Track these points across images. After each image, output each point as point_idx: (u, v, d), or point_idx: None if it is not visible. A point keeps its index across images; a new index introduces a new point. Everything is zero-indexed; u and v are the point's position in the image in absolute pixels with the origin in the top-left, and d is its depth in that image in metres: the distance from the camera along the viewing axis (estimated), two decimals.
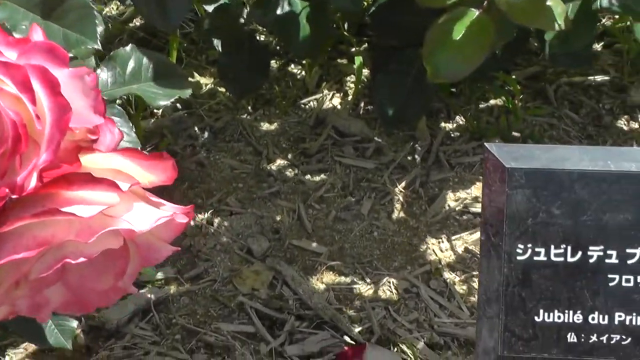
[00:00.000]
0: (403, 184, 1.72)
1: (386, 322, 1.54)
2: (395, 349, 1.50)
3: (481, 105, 1.83)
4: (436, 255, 1.62)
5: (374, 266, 1.61)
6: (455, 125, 1.80)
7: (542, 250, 1.03)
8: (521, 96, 1.83)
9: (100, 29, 1.08)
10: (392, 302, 1.57)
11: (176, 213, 0.91)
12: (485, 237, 1.04)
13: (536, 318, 1.03)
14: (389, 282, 1.59)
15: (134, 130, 1.22)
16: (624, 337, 1.02)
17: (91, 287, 0.92)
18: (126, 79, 1.25)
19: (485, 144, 1.04)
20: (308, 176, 1.74)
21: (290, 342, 1.52)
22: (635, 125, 1.79)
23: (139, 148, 1.24)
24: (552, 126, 1.80)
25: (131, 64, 1.26)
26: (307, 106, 1.86)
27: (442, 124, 1.81)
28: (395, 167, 1.75)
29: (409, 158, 1.76)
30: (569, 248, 1.02)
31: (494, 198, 1.04)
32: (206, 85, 1.91)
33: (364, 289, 1.58)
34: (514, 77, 1.86)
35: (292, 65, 1.93)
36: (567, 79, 1.86)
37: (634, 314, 1.02)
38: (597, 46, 1.91)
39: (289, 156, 1.77)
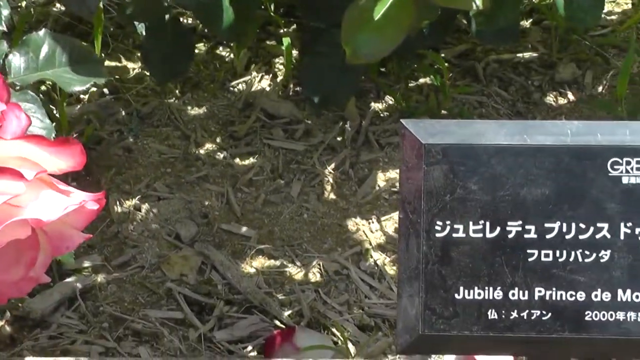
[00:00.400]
0: (333, 165, 1.70)
1: (316, 305, 1.52)
2: (326, 332, 1.49)
3: (411, 85, 1.82)
4: (366, 236, 1.61)
5: (303, 249, 1.60)
6: (384, 105, 1.79)
7: (461, 227, 1.02)
8: (450, 74, 1.82)
9: (5, 12, 1.05)
10: (322, 284, 1.55)
11: (86, 200, 0.89)
12: (403, 215, 1.03)
13: (456, 295, 1.02)
14: (319, 265, 1.57)
15: (48, 116, 1.20)
16: (544, 312, 1.01)
17: (1, 278, 0.90)
18: (40, 65, 1.22)
19: (401, 120, 1.03)
20: (237, 159, 1.72)
21: (219, 328, 1.50)
22: (563, 101, 1.79)
23: (54, 135, 1.22)
24: (482, 104, 1.79)
25: (45, 49, 1.23)
26: (235, 89, 1.84)
27: (372, 104, 1.79)
28: (325, 149, 1.73)
29: (339, 139, 1.74)
30: (488, 224, 1.01)
31: (411, 175, 1.02)
32: (133, 69, 1.88)
33: (294, 272, 1.57)
34: (443, 55, 1.85)
35: (221, 48, 1.91)
36: (496, 56, 1.86)
37: (554, 288, 1.01)
38: (526, 23, 1.91)
39: (218, 140, 1.75)
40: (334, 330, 1.49)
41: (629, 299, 1.00)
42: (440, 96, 1.77)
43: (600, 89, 1.81)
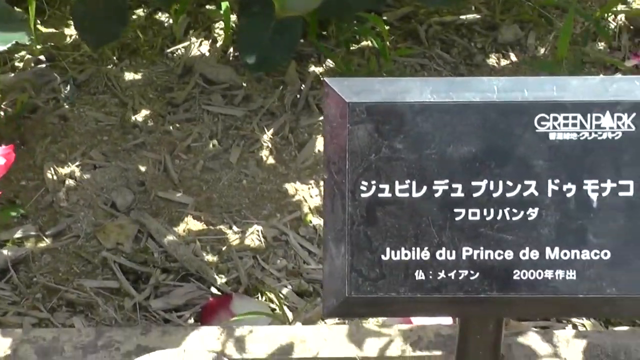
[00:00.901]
0: (272, 130, 1.68)
1: (254, 272, 1.50)
2: (263, 298, 1.47)
3: (353, 48, 1.79)
4: (306, 201, 1.58)
5: (242, 215, 1.57)
6: (325, 69, 1.76)
7: (387, 187, 1.00)
8: (392, 37, 1.80)
9: None
10: (261, 250, 1.53)
11: None
12: (328, 176, 1.00)
13: (383, 257, 1.00)
14: (258, 231, 1.55)
15: None
16: (471, 272, 1.00)
17: None
18: None
19: (324, 79, 1.00)
20: (175, 126, 1.69)
21: (155, 296, 1.47)
22: (506, 62, 1.77)
23: None
24: (424, 66, 1.77)
25: None
26: (174, 55, 1.81)
27: (312, 68, 1.77)
28: (265, 114, 1.71)
29: (279, 104, 1.71)
30: (414, 183, 0.99)
31: (336, 135, 1.00)
32: (70, 37, 1.84)
33: (232, 238, 1.54)
34: (385, 18, 1.82)
35: (160, 14, 1.87)
36: (438, 18, 1.83)
37: (482, 248, 0.99)
38: None
39: (156, 107, 1.72)
40: (272, 296, 1.46)
41: (557, 257, 0.99)
42: (382, 59, 1.75)
43: (542, 50, 1.79)
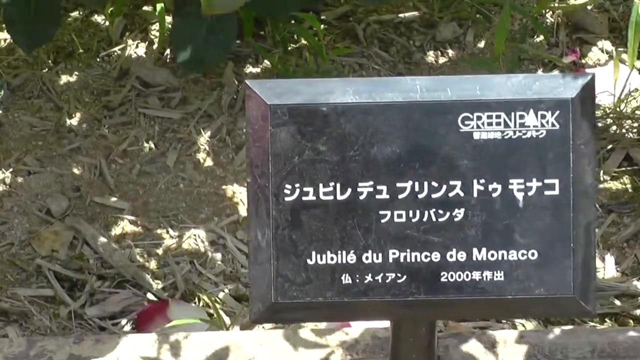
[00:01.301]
0: (209, 132, 1.66)
1: (191, 277, 1.48)
2: (201, 303, 1.45)
3: (290, 48, 1.77)
4: (243, 204, 1.57)
5: (179, 219, 1.55)
6: (262, 69, 1.74)
7: (311, 190, 0.98)
8: (330, 37, 1.78)
9: None
10: (198, 255, 1.51)
11: None
12: (251, 179, 0.99)
13: (308, 261, 0.99)
14: (195, 235, 1.53)
15: None
16: (399, 275, 0.99)
17: None
18: None
19: (246, 81, 0.99)
20: (112, 130, 1.67)
21: (90, 304, 1.45)
22: (445, 60, 1.76)
23: None
24: (362, 66, 1.75)
25: None
26: (111, 57, 1.78)
27: (250, 69, 1.75)
28: (202, 116, 1.69)
29: (216, 106, 1.69)
30: (338, 185, 0.98)
31: (258, 138, 0.98)
32: (5, 40, 1.81)
33: (169, 243, 1.52)
34: (323, 17, 1.81)
35: (96, 16, 1.84)
36: (377, 17, 1.82)
37: (408, 250, 0.98)
38: None
39: (91, 110, 1.69)
40: (209, 301, 1.44)
41: (484, 258, 0.98)
42: (320, 59, 1.73)
43: (482, 46, 1.78)
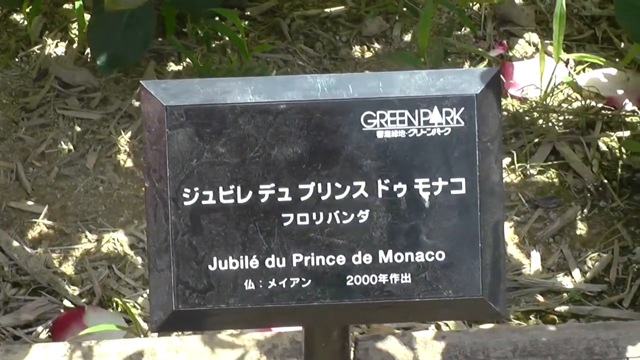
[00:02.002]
0: (130, 133, 1.62)
1: (109, 282, 1.44)
2: (119, 309, 1.41)
3: (214, 45, 1.73)
4: None
5: (98, 223, 1.51)
6: (184, 67, 1.71)
7: (211, 193, 0.95)
8: (255, 33, 1.75)
9: None
10: (117, 259, 1.47)
11: None
12: (149, 184, 0.95)
13: (210, 267, 0.95)
14: (114, 239, 1.49)
15: None
16: (303, 279, 0.95)
17: None
18: None
19: (141, 81, 0.95)
20: (29, 132, 1.62)
21: (4, 312, 1.41)
22: (371, 55, 1.73)
23: None
24: (287, 62, 1.72)
25: None
26: (30, 57, 1.74)
27: (172, 67, 1.71)
28: (122, 117, 1.64)
29: (137, 106, 1.65)
30: (239, 188, 0.95)
31: (155, 140, 0.95)
32: None
33: (87, 248, 1.48)
34: (248, 13, 1.77)
35: (15, 14, 1.80)
36: (302, 12, 1.79)
37: (312, 253, 0.95)
38: None
39: (8, 112, 1.65)
40: (127, 306, 1.40)
41: (391, 260, 0.95)
42: (243, 56, 1.70)
43: (408, 41, 1.75)
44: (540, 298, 1.40)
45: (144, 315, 1.40)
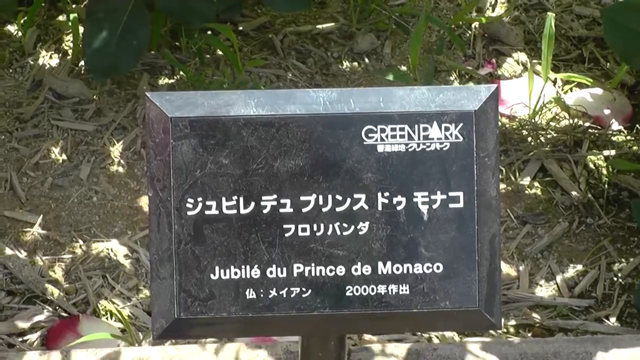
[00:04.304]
0: (123, 144, 1.63)
1: (103, 291, 1.45)
2: (113, 318, 1.43)
3: (208, 59, 1.76)
4: None
5: (92, 233, 1.53)
6: (177, 80, 1.73)
7: (214, 204, 0.97)
8: (248, 48, 1.77)
9: None
10: (111, 269, 1.49)
11: None
12: (153, 193, 0.97)
13: (212, 276, 0.97)
14: (108, 249, 1.51)
15: None
16: (303, 289, 0.97)
17: None
18: None
19: (146, 93, 0.97)
20: (23, 142, 1.64)
21: None
22: (362, 71, 1.76)
23: None
24: (279, 77, 1.74)
25: None
26: (24, 68, 1.75)
27: (165, 80, 1.73)
28: (116, 128, 1.66)
29: (130, 118, 1.67)
30: (241, 199, 0.97)
31: (159, 151, 0.97)
32: None
33: (81, 257, 1.50)
34: (241, 28, 1.80)
35: (9, 26, 1.81)
36: (294, 28, 1.81)
37: (313, 264, 0.97)
38: None
39: (2, 123, 1.66)
40: (120, 316, 1.42)
41: (389, 272, 0.97)
42: (236, 71, 1.72)
43: (399, 58, 1.78)
44: (530, 312, 1.43)
45: (138, 325, 1.42)
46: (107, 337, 1.35)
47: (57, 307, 1.44)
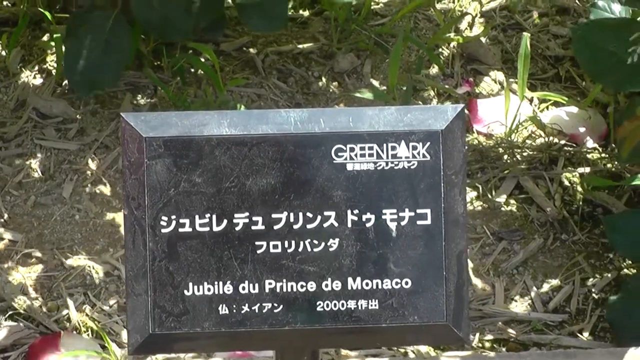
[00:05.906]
0: (106, 163, 1.66)
1: (85, 308, 1.47)
2: (94, 335, 1.44)
3: (189, 79, 1.78)
4: None
5: (74, 251, 1.55)
6: (159, 99, 1.75)
7: (187, 221, 0.99)
8: (229, 67, 1.79)
9: None
10: (92, 286, 1.51)
11: None
12: (128, 212, 0.99)
13: (186, 292, 0.99)
14: (90, 267, 1.53)
15: None
16: (275, 304, 0.99)
17: None
18: None
19: (121, 113, 0.99)
20: (6, 162, 1.66)
21: None
22: (342, 91, 1.78)
23: None
24: (260, 96, 1.77)
25: None
26: (8, 88, 1.77)
27: (147, 100, 1.75)
28: (99, 147, 1.68)
29: (113, 137, 1.69)
30: (214, 217, 0.99)
31: (134, 170, 0.99)
32: None
33: (63, 275, 1.52)
34: (222, 49, 1.82)
35: None
36: (275, 47, 1.84)
37: (284, 280, 0.99)
38: (307, 13, 1.90)
39: None
40: (102, 333, 1.44)
41: (359, 287, 0.99)
42: (217, 90, 1.74)
43: (380, 77, 1.80)
44: (505, 328, 1.45)
45: (119, 341, 1.44)
46: (87, 353, 1.37)
47: (38, 324, 1.46)
